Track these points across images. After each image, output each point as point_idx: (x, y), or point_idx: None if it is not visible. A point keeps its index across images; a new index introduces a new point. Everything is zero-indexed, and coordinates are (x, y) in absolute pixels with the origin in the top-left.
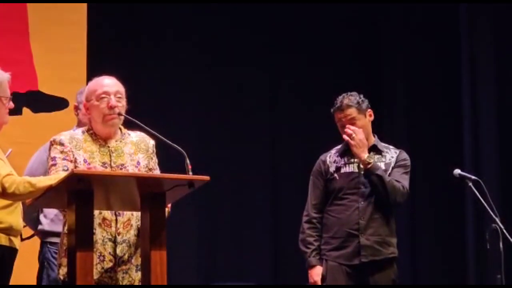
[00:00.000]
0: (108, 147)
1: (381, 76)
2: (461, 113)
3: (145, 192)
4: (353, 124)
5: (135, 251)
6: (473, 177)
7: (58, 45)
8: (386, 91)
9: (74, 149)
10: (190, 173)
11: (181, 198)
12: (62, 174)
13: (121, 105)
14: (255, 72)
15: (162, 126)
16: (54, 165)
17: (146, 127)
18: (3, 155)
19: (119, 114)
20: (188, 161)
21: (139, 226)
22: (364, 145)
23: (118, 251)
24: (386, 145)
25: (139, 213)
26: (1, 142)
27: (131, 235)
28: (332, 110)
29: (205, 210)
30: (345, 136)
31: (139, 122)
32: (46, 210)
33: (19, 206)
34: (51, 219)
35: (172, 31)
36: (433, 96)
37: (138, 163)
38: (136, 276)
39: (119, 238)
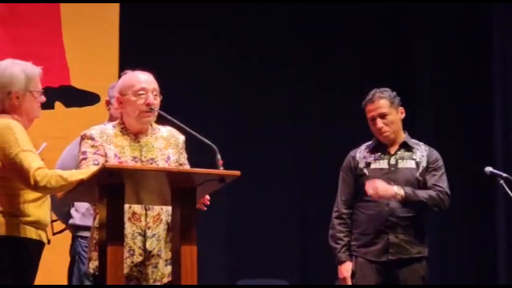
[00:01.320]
0: (139, 141)
1: (409, 74)
2: (492, 110)
3: (176, 187)
4: (384, 118)
5: (164, 246)
6: (504, 174)
7: (91, 41)
8: (415, 89)
9: (104, 143)
10: (221, 168)
11: (210, 194)
12: (94, 168)
13: (157, 102)
14: (283, 68)
15: (193, 121)
16: (85, 159)
17: (177, 121)
18: (34, 148)
19: (150, 110)
20: (219, 156)
21: (168, 220)
22: (388, 188)
23: (147, 245)
24: (416, 141)
25: (168, 208)
26: (33, 137)
27: (160, 229)
28: (363, 103)
29: (233, 206)
30: (369, 191)
31: (170, 117)
32: (77, 204)
33: (47, 200)
34: (82, 213)
35: (202, 27)
36: (464, 93)
37: (168, 157)
38: (166, 271)
39: (149, 233)
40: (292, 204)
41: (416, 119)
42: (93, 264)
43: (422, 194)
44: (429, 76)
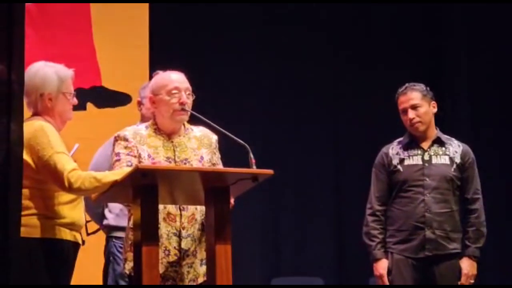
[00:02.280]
0: (172, 142)
1: (444, 71)
2: None
3: (209, 187)
4: (415, 109)
5: (199, 245)
6: None
7: (121, 41)
8: (449, 85)
9: (138, 144)
10: (254, 167)
11: (245, 192)
12: (127, 170)
13: (190, 101)
14: (318, 67)
15: (225, 121)
16: (118, 160)
17: (209, 121)
18: (66, 150)
19: (184, 109)
20: (251, 155)
21: (203, 220)
22: (472, 269)
23: (183, 245)
24: (449, 137)
25: (203, 207)
26: (66, 138)
27: (195, 229)
28: (396, 96)
29: (269, 204)
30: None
31: (202, 117)
32: (110, 205)
33: (81, 202)
34: (116, 213)
35: (233, 27)
36: (496, 87)
37: (202, 158)
38: (201, 270)
39: (183, 233)
40: (327, 201)
41: (449, 115)
42: (129, 265)
43: (480, 236)
44: (464, 71)
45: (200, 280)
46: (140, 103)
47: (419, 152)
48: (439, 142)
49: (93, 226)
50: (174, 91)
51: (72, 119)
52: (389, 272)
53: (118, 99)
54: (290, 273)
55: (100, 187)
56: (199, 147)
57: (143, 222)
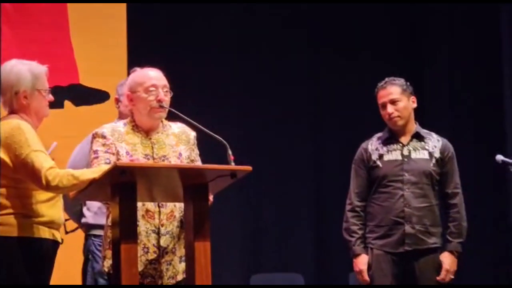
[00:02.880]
0: (150, 139)
1: (424, 65)
2: (502, 98)
3: (188, 183)
4: (394, 104)
5: (178, 243)
6: None
7: (99, 39)
8: (427, 79)
9: (116, 141)
10: (233, 163)
11: (224, 189)
12: (105, 167)
13: (167, 98)
14: (296, 61)
15: (204, 118)
16: (96, 158)
17: (188, 118)
18: (44, 148)
19: (162, 106)
20: (230, 152)
21: (182, 217)
22: (453, 264)
23: (162, 242)
24: (428, 131)
25: (182, 205)
26: (44, 136)
27: (174, 226)
28: (375, 90)
29: (248, 201)
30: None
31: (181, 114)
32: (89, 203)
33: (60, 200)
34: (95, 211)
35: (210, 22)
36: (474, 82)
37: (180, 154)
38: (180, 267)
39: (162, 230)
40: (307, 197)
41: (428, 108)
42: (108, 263)
43: (462, 230)
44: (443, 65)
45: (179, 277)
46: (117, 100)
47: (398, 147)
48: (418, 137)
49: (71, 224)
50: (151, 88)
51: (48, 116)
52: (369, 267)
53: (96, 96)
54: (270, 269)
55: (78, 184)
56: (178, 143)
57: (122, 219)
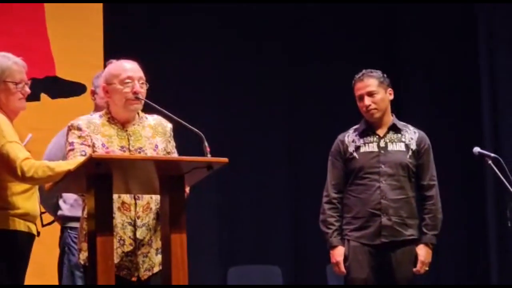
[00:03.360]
0: (126, 131)
1: (399, 56)
2: (480, 90)
3: (164, 175)
4: (371, 96)
5: (154, 235)
6: (492, 154)
7: (75, 31)
8: (405, 71)
9: (92, 133)
10: (209, 155)
11: (201, 181)
12: (81, 159)
13: (143, 90)
14: (273, 50)
15: (180, 109)
16: (72, 150)
17: (164, 110)
18: (19, 140)
19: (138, 98)
20: (206, 144)
21: (158, 209)
22: (428, 255)
23: (138, 234)
24: (404, 124)
25: (158, 197)
26: (19, 129)
27: (150, 218)
28: (352, 82)
29: (225, 193)
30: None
31: (157, 106)
32: (65, 195)
33: (36, 192)
34: (71, 204)
35: (187, 14)
36: (452, 74)
37: (156, 146)
38: (156, 260)
39: (138, 222)
40: (284, 189)
41: (405, 100)
42: (83, 255)
43: (437, 223)
44: (419, 59)
45: (156, 269)
46: (93, 93)
47: (375, 139)
48: (394, 129)
49: (48, 217)
50: (127, 80)
51: (25, 109)
52: (346, 259)
53: (72, 88)
54: (247, 262)
55: (53, 176)
56: (154, 135)
57: (98, 211)
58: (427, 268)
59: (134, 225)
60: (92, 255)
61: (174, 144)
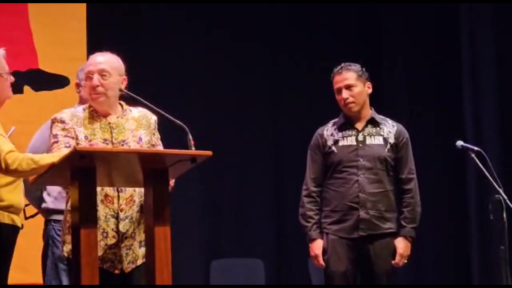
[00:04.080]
0: (109, 123)
1: (381, 49)
2: (461, 84)
3: (148, 168)
4: (350, 89)
5: (138, 227)
6: (475, 148)
7: (58, 23)
8: (386, 64)
9: (75, 126)
10: (193, 148)
11: (184, 174)
12: (65, 151)
13: (107, 82)
14: (256, 45)
15: (164, 102)
16: (56, 142)
17: (147, 103)
18: (4, 132)
19: (97, 92)
20: (190, 137)
21: (142, 202)
22: (406, 248)
23: (120, 227)
24: (383, 117)
25: (141, 189)
26: (3, 121)
27: (133, 211)
28: (331, 75)
29: (208, 186)
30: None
31: (140, 98)
32: (49, 188)
33: (20, 184)
34: (55, 197)
35: (173, 8)
36: (433, 68)
37: (140, 139)
38: (140, 252)
39: (121, 215)
40: (267, 182)
41: (387, 93)
42: (67, 248)
43: (415, 216)
44: (400, 50)
45: (139, 261)
46: (78, 85)
47: (353, 133)
48: (373, 122)
49: (31, 210)
50: (88, 75)
51: (11, 98)
52: (325, 252)
53: (55, 81)
54: (230, 255)
55: (37, 169)
56: (137, 128)
57: (81, 204)
58: (405, 261)
59: (117, 218)
60: (76, 248)
61: (159, 136)
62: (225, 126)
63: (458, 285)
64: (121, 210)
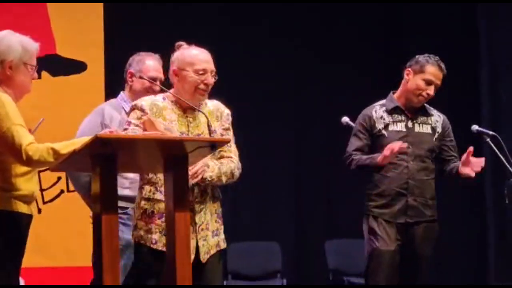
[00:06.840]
0: (187, 117)
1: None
2: (478, 69)
3: (168, 155)
4: (435, 88)
5: (211, 218)
6: (490, 132)
7: (75, 9)
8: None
9: (153, 116)
10: (213, 134)
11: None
12: (86, 138)
13: (212, 82)
14: (277, 37)
15: None
16: (126, 129)
17: (166, 89)
18: (24, 122)
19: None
20: (210, 123)
21: (213, 193)
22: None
23: (197, 219)
24: (430, 107)
25: (213, 181)
26: (22, 106)
27: (207, 202)
28: (426, 61)
29: None
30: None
31: (166, 89)
32: None
33: (36, 174)
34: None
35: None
36: (451, 52)
37: (214, 131)
38: (213, 242)
39: (197, 207)
40: (285, 166)
41: None
42: (138, 232)
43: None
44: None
45: (212, 251)
46: (132, 75)
47: (403, 118)
48: (423, 111)
49: (50, 194)
50: (201, 72)
51: (30, 91)
52: (374, 231)
53: (73, 66)
54: (248, 238)
55: (59, 158)
56: (212, 121)
57: (102, 191)
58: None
59: (193, 210)
60: (97, 234)
61: (229, 127)
62: (245, 111)
63: (459, 285)
64: (196, 203)
